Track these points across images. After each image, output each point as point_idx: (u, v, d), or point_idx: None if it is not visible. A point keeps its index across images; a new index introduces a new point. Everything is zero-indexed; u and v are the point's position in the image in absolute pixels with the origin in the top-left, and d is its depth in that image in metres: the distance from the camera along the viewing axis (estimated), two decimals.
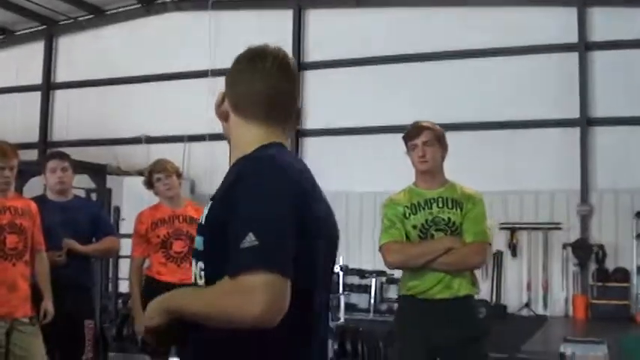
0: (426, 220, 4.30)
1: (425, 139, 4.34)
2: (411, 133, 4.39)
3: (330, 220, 2.16)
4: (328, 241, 2.11)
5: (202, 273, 2.03)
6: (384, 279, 16.58)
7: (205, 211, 2.06)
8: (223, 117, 2.23)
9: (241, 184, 1.96)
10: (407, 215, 4.33)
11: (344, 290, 14.39)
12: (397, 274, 16.79)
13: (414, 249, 4.27)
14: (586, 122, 16.44)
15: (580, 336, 11.02)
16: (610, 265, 16.07)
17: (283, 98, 2.16)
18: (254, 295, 1.75)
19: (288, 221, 1.88)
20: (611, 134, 16.31)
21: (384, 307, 16.47)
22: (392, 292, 16.86)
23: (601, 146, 16.43)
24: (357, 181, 17.43)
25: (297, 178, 2.02)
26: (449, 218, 4.29)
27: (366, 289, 16.19)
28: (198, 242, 2.06)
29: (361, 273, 15.93)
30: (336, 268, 14.57)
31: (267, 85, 2.13)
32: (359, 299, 16.24)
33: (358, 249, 16.97)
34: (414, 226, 4.31)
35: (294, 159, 2.16)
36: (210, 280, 1.97)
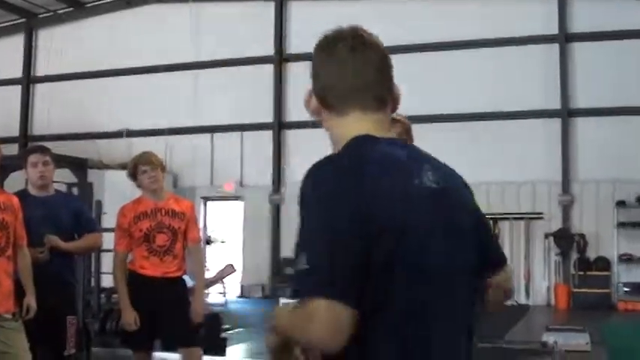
0: None
1: (395, 134, 4.05)
2: None
3: (442, 213, 1.84)
4: (445, 236, 1.83)
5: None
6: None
7: None
8: (316, 113, 1.99)
9: (305, 195, 1.77)
10: None
11: None
12: None
13: None
14: (567, 113, 16.54)
15: (562, 324, 11.10)
16: (591, 254, 16.21)
17: (370, 80, 1.91)
18: (312, 322, 1.66)
19: (349, 238, 1.68)
20: (593, 125, 16.41)
21: None
22: None
23: (582, 137, 16.53)
24: None
25: (375, 178, 1.75)
26: None
27: None
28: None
29: None
30: None
31: (347, 73, 1.90)
32: None
33: None
34: None
35: (387, 151, 1.84)
36: None
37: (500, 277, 2.09)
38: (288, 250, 17.90)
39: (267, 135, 18.89)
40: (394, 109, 2.03)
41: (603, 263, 16.01)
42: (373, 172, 1.75)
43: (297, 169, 18.17)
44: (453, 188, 1.92)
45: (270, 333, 1.90)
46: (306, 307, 1.66)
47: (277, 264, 18.09)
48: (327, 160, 1.80)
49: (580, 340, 9.31)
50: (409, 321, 1.76)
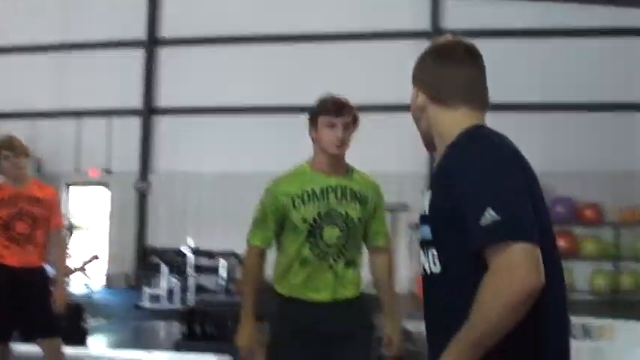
0: (319, 213, 3.63)
1: (347, 120, 3.69)
2: (329, 108, 3.70)
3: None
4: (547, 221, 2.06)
5: (436, 260, 2.08)
6: (234, 260, 16.60)
7: (426, 202, 2.12)
8: (420, 111, 2.27)
9: (462, 166, 2.01)
10: (295, 205, 3.62)
11: (194, 272, 14.31)
12: None
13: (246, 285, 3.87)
14: None
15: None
16: None
17: (478, 83, 2.24)
18: (520, 267, 1.79)
19: (523, 191, 1.94)
20: None
21: (233, 287, 16.52)
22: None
23: None
24: (210, 161, 17.31)
25: (516, 152, 2.07)
26: (347, 213, 3.67)
27: (216, 270, 16.15)
28: (425, 232, 2.11)
29: (211, 254, 15.88)
30: (186, 250, 14.52)
31: (465, 73, 2.22)
32: (209, 280, 16.17)
33: (210, 230, 16.93)
34: (304, 219, 3.62)
35: (504, 137, 2.14)
36: (446, 265, 2.04)
37: None
38: (154, 239, 17.68)
39: (136, 121, 18.54)
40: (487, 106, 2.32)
41: None
42: (513, 146, 2.07)
43: (165, 157, 17.95)
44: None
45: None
46: (505, 258, 1.80)
47: (142, 253, 17.78)
48: (469, 141, 2.09)
49: None
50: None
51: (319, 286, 3.64)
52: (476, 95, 2.23)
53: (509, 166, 1.99)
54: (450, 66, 2.23)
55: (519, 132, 17.91)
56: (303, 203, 3.61)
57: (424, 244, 2.15)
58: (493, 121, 2.25)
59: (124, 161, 18.32)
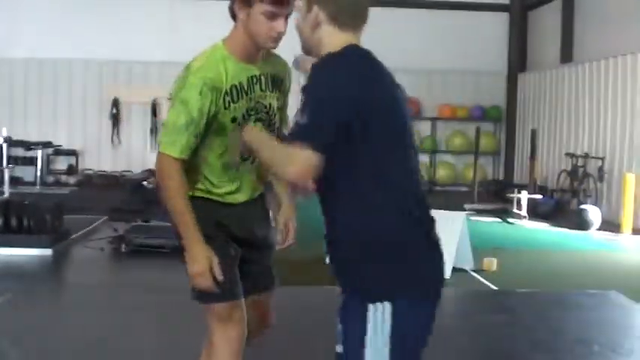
0: (247, 110, 3.12)
1: (289, 12, 3.01)
2: None
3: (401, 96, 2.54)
4: (400, 114, 2.50)
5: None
6: (50, 150, 15.98)
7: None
8: (313, 27, 2.51)
9: (310, 78, 2.37)
10: (227, 105, 3.05)
11: (8, 163, 13.67)
12: (66, 145, 16.27)
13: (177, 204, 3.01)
14: None
15: None
16: None
17: (364, 9, 2.54)
18: (292, 161, 2.28)
19: (339, 106, 2.31)
20: None
21: (50, 179, 15.96)
22: (59, 164, 16.35)
23: None
24: (22, 45, 16.25)
25: (362, 67, 2.42)
26: (270, 104, 3.23)
27: (32, 161, 15.48)
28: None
29: (26, 145, 15.18)
30: (0, 140, 13.77)
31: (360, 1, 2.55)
32: (24, 172, 15.51)
33: (23, 119, 16.12)
34: (234, 119, 3.09)
35: (367, 54, 2.48)
36: None
37: None
38: None
39: None
40: None
41: None
42: (365, 64, 2.45)
43: None
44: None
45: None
46: (291, 148, 2.28)
47: None
48: (329, 57, 2.42)
49: None
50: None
51: (241, 188, 3.26)
52: (362, 19, 2.55)
53: (341, 82, 2.33)
54: None
55: None
56: (233, 101, 3.06)
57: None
58: None
59: None
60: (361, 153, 2.35)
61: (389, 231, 2.39)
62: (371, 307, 2.34)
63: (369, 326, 2.35)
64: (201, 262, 2.95)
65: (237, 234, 3.21)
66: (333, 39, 2.48)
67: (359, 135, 2.32)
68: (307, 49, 2.59)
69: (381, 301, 2.34)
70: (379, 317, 2.34)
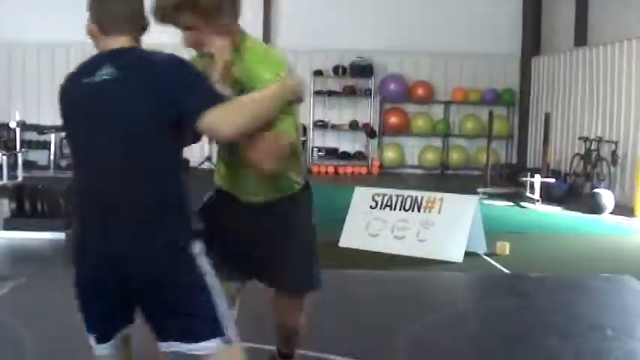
0: None
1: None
2: None
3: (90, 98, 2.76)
4: (89, 114, 2.78)
5: None
6: (63, 134, 16.00)
7: None
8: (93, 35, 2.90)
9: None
10: None
11: (22, 147, 13.71)
12: None
13: None
14: None
15: None
16: None
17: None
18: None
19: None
20: None
21: (64, 163, 16.02)
22: None
23: (284, 9, 16.88)
24: (34, 30, 16.27)
25: (69, 77, 2.85)
26: None
27: (45, 145, 15.53)
28: None
29: (40, 129, 15.22)
30: (13, 124, 13.81)
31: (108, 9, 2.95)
32: (38, 156, 15.56)
33: (36, 103, 16.15)
34: None
35: (93, 58, 2.80)
36: None
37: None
38: None
39: None
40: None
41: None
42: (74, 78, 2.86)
43: None
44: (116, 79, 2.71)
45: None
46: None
47: None
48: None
49: None
50: None
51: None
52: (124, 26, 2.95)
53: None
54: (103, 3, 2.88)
55: (352, 12, 18.12)
56: None
57: None
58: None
59: None
60: None
61: None
62: None
63: None
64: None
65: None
66: None
67: None
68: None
69: None
70: None
